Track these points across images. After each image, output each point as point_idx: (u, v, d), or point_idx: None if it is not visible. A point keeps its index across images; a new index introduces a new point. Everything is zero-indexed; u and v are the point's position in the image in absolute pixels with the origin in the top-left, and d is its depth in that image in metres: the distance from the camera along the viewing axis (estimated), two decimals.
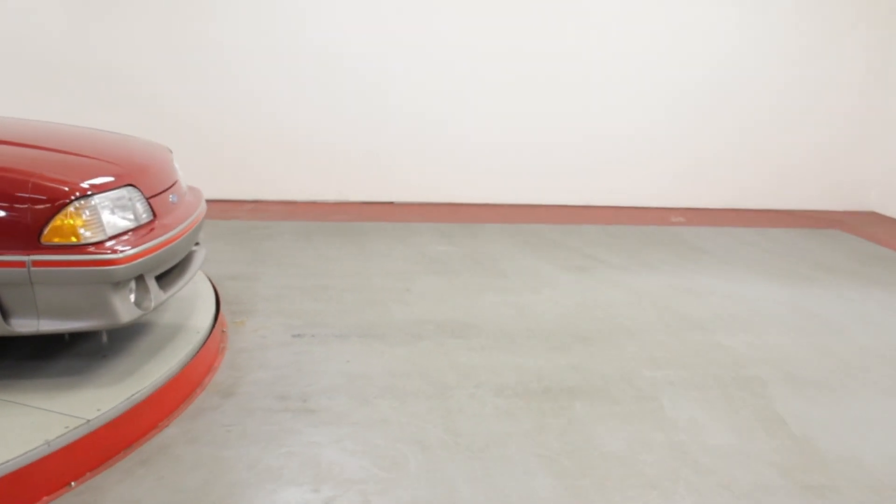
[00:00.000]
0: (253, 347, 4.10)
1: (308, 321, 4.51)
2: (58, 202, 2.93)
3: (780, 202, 8.76)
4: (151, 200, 3.43)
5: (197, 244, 4.15)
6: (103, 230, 3.04)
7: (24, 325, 3.00)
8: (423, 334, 4.41)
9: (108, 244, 3.02)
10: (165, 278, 3.57)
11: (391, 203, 8.07)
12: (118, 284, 3.06)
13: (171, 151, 4.19)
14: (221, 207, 7.48)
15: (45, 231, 2.92)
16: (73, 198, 2.96)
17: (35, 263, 2.90)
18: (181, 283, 3.65)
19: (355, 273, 5.52)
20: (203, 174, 7.58)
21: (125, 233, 3.16)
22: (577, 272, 5.83)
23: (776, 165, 8.59)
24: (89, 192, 3.03)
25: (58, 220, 2.93)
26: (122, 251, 3.03)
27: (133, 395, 3.10)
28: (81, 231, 2.96)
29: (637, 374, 3.98)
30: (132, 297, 3.20)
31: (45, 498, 2.68)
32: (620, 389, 3.79)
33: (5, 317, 2.97)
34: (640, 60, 8.07)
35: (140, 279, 3.24)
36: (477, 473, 2.98)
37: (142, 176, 3.43)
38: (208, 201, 7.57)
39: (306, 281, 5.28)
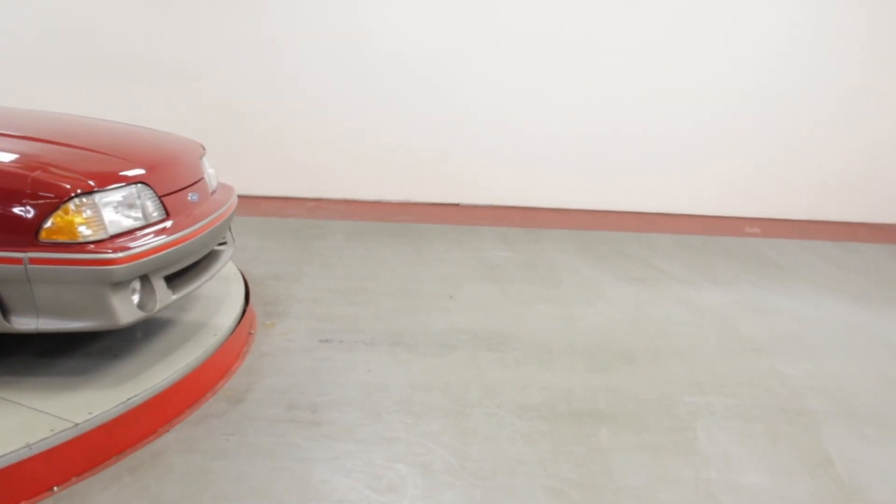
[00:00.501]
0: (277, 351, 3.99)
1: (340, 326, 4.38)
2: (57, 199, 2.87)
3: (870, 214, 8.12)
4: (165, 199, 3.35)
5: (223, 243, 4.07)
6: (104, 229, 2.97)
7: (23, 323, 2.96)
8: (457, 345, 4.20)
9: (109, 243, 2.95)
10: (181, 278, 3.49)
11: (457, 205, 7.89)
12: (118, 285, 2.98)
13: (203, 148, 4.13)
14: (281, 205, 7.47)
15: (44, 228, 2.86)
16: (73, 195, 2.90)
17: (32, 261, 2.85)
18: (197, 283, 3.57)
19: (402, 276, 5.37)
20: (267, 172, 7.61)
21: (130, 232, 3.08)
22: (638, 284, 5.50)
23: (867, 173, 7.95)
24: (91, 190, 2.96)
25: (56, 217, 2.87)
26: (122, 251, 2.95)
27: (131, 398, 3.02)
28: (81, 229, 2.90)
29: (677, 399, 3.66)
30: (136, 298, 3.13)
31: (23, 502, 2.61)
32: (655, 416, 3.48)
33: (5, 314, 2.93)
34: (716, 58, 7.62)
35: (145, 279, 3.16)
36: (475, 503, 2.76)
37: (155, 173, 3.35)
38: (269, 199, 7.62)
39: (348, 283, 5.15)
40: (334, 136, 7.65)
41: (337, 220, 6.96)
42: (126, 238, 3.04)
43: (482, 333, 4.38)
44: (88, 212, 2.93)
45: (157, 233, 3.20)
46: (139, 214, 3.17)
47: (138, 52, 7.45)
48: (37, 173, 2.91)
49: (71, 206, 2.89)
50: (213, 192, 3.99)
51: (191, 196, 3.59)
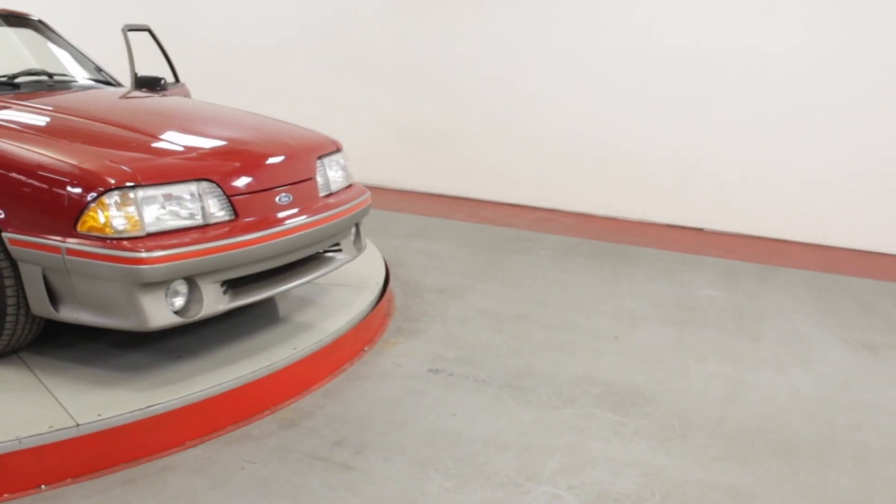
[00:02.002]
0: (375, 375, 3.65)
1: (464, 355, 3.90)
2: (94, 191, 2.80)
3: None
4: (236, 198, 3.16)
5: (337, 248, 3.82)
6: (141, 226, 2.85)
7: (67, 314, 2.95)
8: (578, 398, 3.51)
9: (144, 242, 2.82)
10: (254, 283, 3.28)
11: (700, 230, 6.88)
12: (151, 286, 2.84)
13: (334, 145, 3.90)
14: (507, 213, 7.09)
15: (80, 219, 2.81)
16: (111, 188, 2.81)
17: (69, 251, 2.82)
18: (275, 289, 3.34)
19: (576, 306, 4.71)
20: (499, 176, 7.28)
21: (177, 231, 2.94)
22: (867, 352, 4.25)
23: None
24: (134, 184, 2.85)
25: (92, 210, 2.80)
26: (156, 250, 2.81)
27: (151, 406, 2.87)
28: (115, 224, 2.80)
29: None
30: (177, 301, 2.97)
31: (5, 494, 2.57)
32: None
33: (53, 302, 2.94)
34: None
35: (192, 283, 2.99)
36: None
37: (227, 171, 3.18)
38: (497, 205, 7.25)
39: (512, 307, 4.63)
40: (568, 141, 7.08)
41: (555, 235, 6.40)
42: (168, 237, 2.89)
43: (617, 388, 3.62)
44: (126, 207, 2.82)
45: (213, 234, 3.01)
46: (195, 213, 3.01)
47: (386, 50, 7.55)
48: (83, 162, 2.87)
49: (106, 199, 2.80)
50: (331, 193, 3.75)
51: (281, 197, 3.37)
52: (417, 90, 7.53)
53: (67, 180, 2.83)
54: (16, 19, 4.45)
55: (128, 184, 2.84)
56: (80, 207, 2.80)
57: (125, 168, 2.89)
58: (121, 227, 2.81)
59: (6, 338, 3.02)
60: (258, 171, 3.33)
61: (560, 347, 4.07)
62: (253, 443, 3.00)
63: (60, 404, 2.82)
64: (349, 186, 3.98)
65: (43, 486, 2.63)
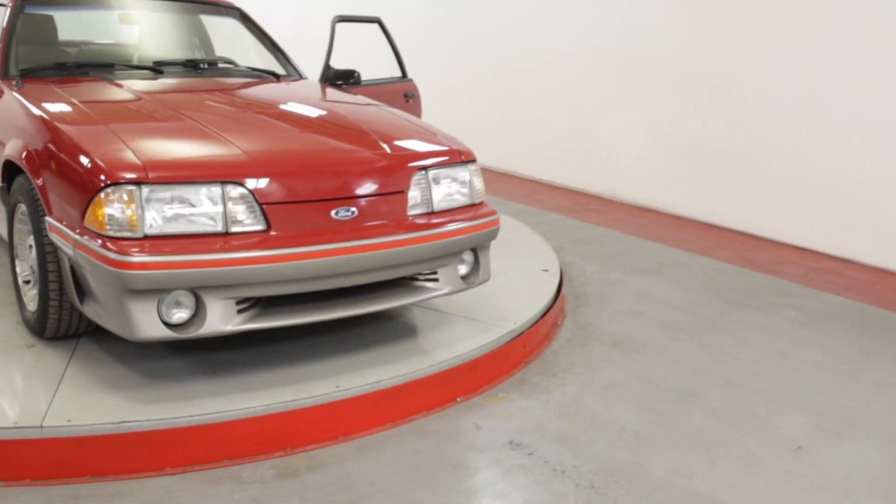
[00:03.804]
0: (439, 434, 3.04)
1: (569, 432, 3.10)
2: (99, 183, 2.64)
3: None
4: (271, 206, 2.79)
5: (432, 276, 3.26)
6: (140, 227, 2.62)
7: (86, 309, 2.85)
8: None
9: (138, 244, 2.60)
10: (288, 305, 2.90)
11: None
12: (140, 293, 2.61)
13: (448, 155, 3.34)
14: (783, 256, 5.73)
15: (87, 212, 2.67)
16: (111, 183, 2.62)
17: (77, 245, 2.70)
18: (315, 316, 2.92)
19: (771, 393, 3.53)
20: (785, 213, 5.98)
21: (182, 236, 2.67)
22: None
23: None
24: (139, 181, 2.63)
25: (96, 204, 2.65)
26: (148, 255, 2.57)
27: (127, 422, 2.63)
28: (113, 221, 2.62)
29: None
30: (176, 314, 2.70)
31: None
32: None
33: (80, 294, 2.86)
34: None
35: (198, 296, 2.70)
36: None
37: (263, 174, 2.81)
38: (778, 244, 5.84)
39: (685, 379, 3.63)
40: (887, 185, 5.47)
41: (827, 294, 4.97)
42: (170, 243, 2.64)
43: None
44: (130, 204, 2.61)
45: (231, 245, 2.69)
46: (215, 219, 2.71)
47: (674, 60, 6.60)
48: (100, 152, 2.72)
49: (110, 193, 2.63)
50: (433, 212, 3.21)
51: (340, 211, 2.92)
52: (705, 104, 6.46)
53: (82, 169, 2.71)
54: (221, 8, 4.59)
55: (134, 178, 2.63)
56: (87, 199, 2.67)
57: (135, 161, 2.68)
58: (118, 226, 2.61)
59: (53, 323, 3.03)
60: (307, 177, 2.92)
61: (705, 448, 3.04)
62: (230, 486, 2.62)
63: (51, 401, 2.72)
64: (471, 206, 3.38)
65: None
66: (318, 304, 2.97)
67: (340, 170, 3.01)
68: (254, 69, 4.18)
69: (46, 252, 2.92)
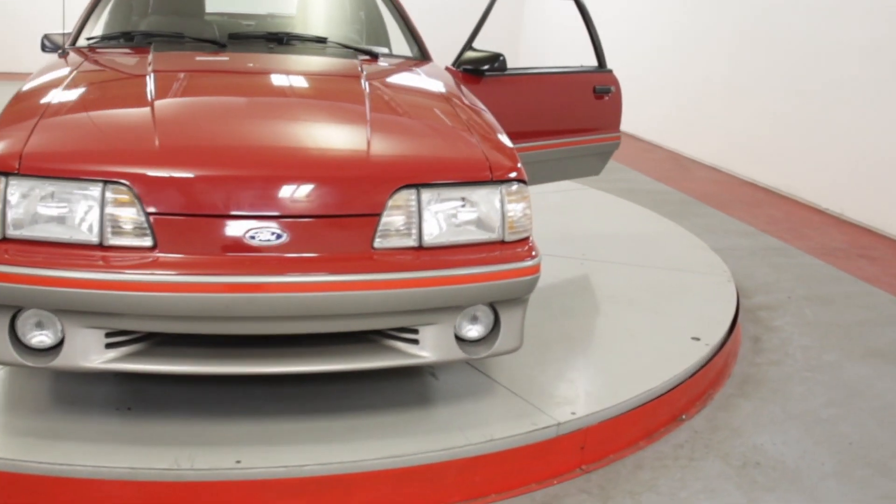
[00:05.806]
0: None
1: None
2: None
3: None
4: (158, 217, 2.15)
5: (410, 337, 2.38)
6: (1, 227, 2.15)
7: None
8: None
9: None
10: (208, 350, 2.26)
11: None
12: None
13: (482, 170, 2.41)
14: None
15: None
16: None
17: None
18: (218, 367, 2.24)
19: None
20: None
21: (49, 244, 2.15)
22: None
23: None
24: (5, 170, 2.16)
25: None
26: None
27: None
28: None
29: None
30: (35, 337, 2.20)
31: None
32: None
33: None
34: None
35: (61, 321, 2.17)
36: None
37: (156, 176, 2.18)
38: None
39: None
40: None
41: None
42: (34, 250, 2.14)
43: None
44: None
45: (97, 264, 2.13)
46: (91, 226, 2.16)
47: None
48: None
49: None
50: (423, 248, 2.33)
51: (260, 233, 2.18)
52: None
53: None
54: None
55: (7, 170, 2.16)
56: None
57: (16, 150, 2.20)
58: None
59: None
60: (217, 183, 2.21)
61: None
62: None
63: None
64: (493, 244, 2.39)
65: None
66: (233, 353, 2.27)
67: (270, 177, 2.25)
68: (346, 46, 3.51)
69: None
